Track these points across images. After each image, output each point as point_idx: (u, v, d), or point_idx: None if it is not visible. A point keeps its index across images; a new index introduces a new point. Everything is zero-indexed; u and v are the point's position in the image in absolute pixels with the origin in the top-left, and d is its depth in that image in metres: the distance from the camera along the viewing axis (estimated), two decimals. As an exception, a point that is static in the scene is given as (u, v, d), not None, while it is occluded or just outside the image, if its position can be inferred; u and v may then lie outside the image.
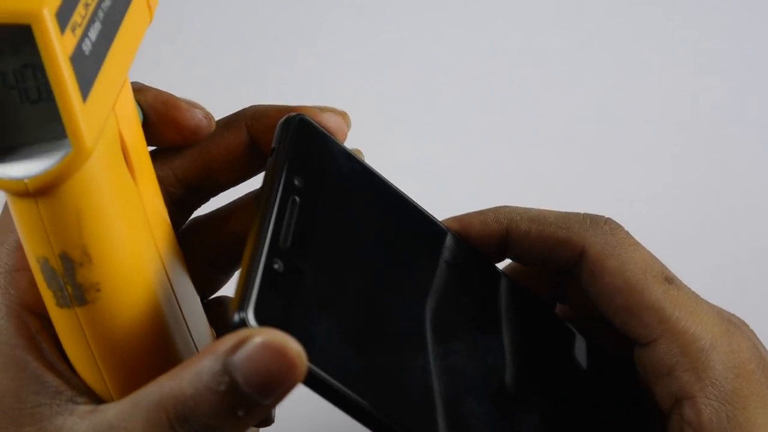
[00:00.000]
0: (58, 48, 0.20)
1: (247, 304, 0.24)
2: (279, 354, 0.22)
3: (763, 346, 0.30)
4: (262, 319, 0.24)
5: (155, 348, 0.26)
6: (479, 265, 0.31)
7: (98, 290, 0.24)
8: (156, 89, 0.28)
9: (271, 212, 0.26)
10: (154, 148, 0.29)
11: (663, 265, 0.29)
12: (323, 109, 0.30)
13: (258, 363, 0.22)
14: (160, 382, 0.23)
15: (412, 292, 0.29)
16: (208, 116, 0.29)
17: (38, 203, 0.22)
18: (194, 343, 0.28)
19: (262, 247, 0.25)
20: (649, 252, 0.30)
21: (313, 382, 0.24)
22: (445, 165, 0.47)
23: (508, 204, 0.32)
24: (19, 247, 0.25)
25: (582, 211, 0.31)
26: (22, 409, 0.25)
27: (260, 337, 0.22)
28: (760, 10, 0.52)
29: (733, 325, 0.29)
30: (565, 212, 0.31)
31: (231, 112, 0.51)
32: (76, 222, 0.23)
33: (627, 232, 0.30)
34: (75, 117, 0.21)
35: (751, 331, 0.30)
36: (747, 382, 0.28)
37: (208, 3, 0.51)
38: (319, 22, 0.51)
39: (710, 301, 0.30)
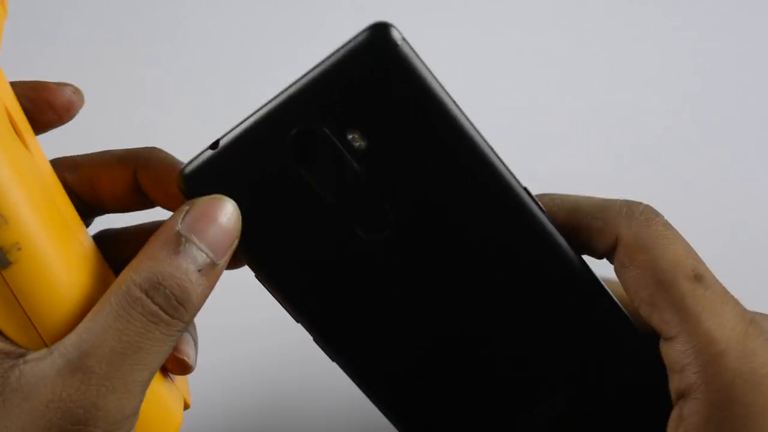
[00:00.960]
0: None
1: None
2: (216, 203, 0.27)
3: None
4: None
5: (85, 296, 0.27)
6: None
7: (19, 249, 0.25)
8: (22, 80, 0.30)
9: None
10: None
11: (696, 260, 0.29)
12: (60, 84, 0.30)
13: (200, 214, 0.27)
14: (126, 273, 0.26)
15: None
16: (77, 91, 0.31)
17: None
18: None
19: None
20: (684, 246, 0.29)
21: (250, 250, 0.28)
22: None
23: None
24: None
25: (619, 197, 0.30)
26: None
27: (206, 197, 0.27)
28: (760, 10, 0.52)
29: (754, 327, 0.28)
30: (602, 200, 0.30)
31: (230, 113, 0.51)
32: None
33: (665, 223, 0.30)
34: None
35: None
36: (754, 387, 0.28)
37: (207, 2, 0.51)
38: (318, 21, 0.51)
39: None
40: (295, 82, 0.28)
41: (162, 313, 0.26)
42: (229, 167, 0.28)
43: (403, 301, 0.29)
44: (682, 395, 0.29)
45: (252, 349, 0.44)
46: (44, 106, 0.30)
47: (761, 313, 0.30)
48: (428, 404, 0.30)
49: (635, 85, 0.51)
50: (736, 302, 0.29)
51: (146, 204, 0.31)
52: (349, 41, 0.28)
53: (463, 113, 0.28)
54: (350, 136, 0.28)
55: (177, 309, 0.26)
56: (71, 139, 0.47)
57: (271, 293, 0.29)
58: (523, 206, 0.29)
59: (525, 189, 0.29)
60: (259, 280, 0.29)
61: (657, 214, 0.30)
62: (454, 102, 0.28)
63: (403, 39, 0.28)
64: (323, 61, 0.28)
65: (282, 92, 0.28)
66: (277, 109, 0.27)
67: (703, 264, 0.29)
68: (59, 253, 0.26)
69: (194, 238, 0.27)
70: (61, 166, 0.31)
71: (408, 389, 0.29)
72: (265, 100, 0.28)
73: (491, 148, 0.29)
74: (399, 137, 0.28)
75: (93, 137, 0.48)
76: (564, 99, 0.51)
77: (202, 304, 0.27)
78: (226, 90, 0.50)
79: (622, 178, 0.48)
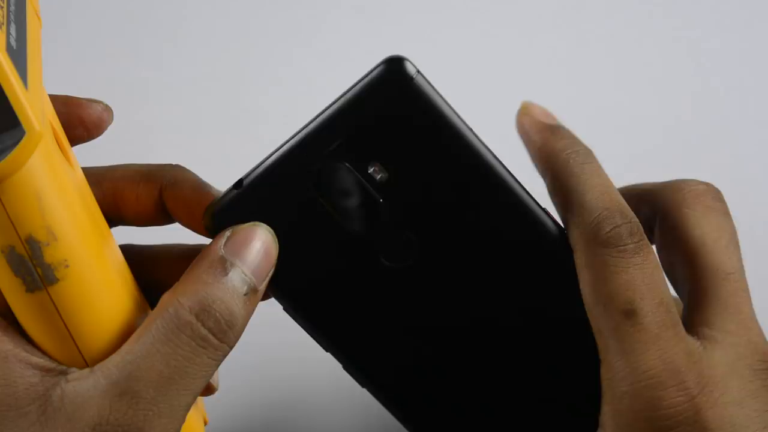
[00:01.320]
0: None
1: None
2: (256, 229, 0.28)
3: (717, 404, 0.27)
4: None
5: (124, 314, 0.27)
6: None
7: (67, 266, 0.25)
8: (54, 94, 0.29)
9: None
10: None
11: (638, 294, 0.28)
12: (91, 100, 0.30)
13: (243, 240, 0.27)
14: (171, 296, 0.26)
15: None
16: (107, 108, 0.31)
17: (0, 193, 0.23)
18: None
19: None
20: (631, 277, 0.28)
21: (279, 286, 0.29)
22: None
23: None
24: None
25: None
26: (15, 394, 0.25)
27: (246, 224, 0.28)
28: (760, 10, 0.52)
29: (675, 375, 0.27)
30: (596, 194, 0.29)
31: (230, 113, 0.51)
32: (37, 203, 0.24)
33: (628, 249, 0.28)
34: (23, 103, 0.22)
35: (701, 381, 0.28)
36: None
37: (207, 2, 0.51)
38: (319, 22, 0.51)
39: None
40: (315, 119, 0.29)
41: (211, 337, 0.26)
42: (254, 205, 0.28)
43: (430, 326, 0.30)
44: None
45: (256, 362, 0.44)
46: (75, 121, 0.30)
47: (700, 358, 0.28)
48: (461, 425, 0.30)
49: (635, 85, 0.51)
50: (673, 345, 0.27)
51: (168, 220, 0.31)
52: (365, 76, 0.28)
53: (480, 140, 0.29)
54: (371, 169, 0.29)
55: (226, 333, 0.26)
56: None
57: (300, 324, 0.30)
58: (543, 230, 0.30)
59: (544, 210, 0.30)
60: (287, 311, 0.30)
61: (627, 238, 0.28)
62: (471, 130, 0.29)
63: (418, 72, 0.28)
64: (340, 97, 0.28)
65: (302, 129, 0.29)
66: (298, 146, 0.28)
67: (651, 300, 0.28)
68: (101, 271, 0.26)
69: (238, 263, 0.27)
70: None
71: (439, 412, 0.30)
72: (285, 137, 0.29)
73: (509, 173, 0.30)
74: (418, 168, 0.29)
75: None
76: (563, 99, 0.51)
77: (244, 329, 0.27)
78: (226, 90, 0.50)
79: (622, 178, 0.48)
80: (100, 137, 0.50)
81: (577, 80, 0.51)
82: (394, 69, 0.28)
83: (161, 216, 0.31)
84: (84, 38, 0.50)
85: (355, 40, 0.51)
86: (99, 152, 0.47)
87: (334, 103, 0.29)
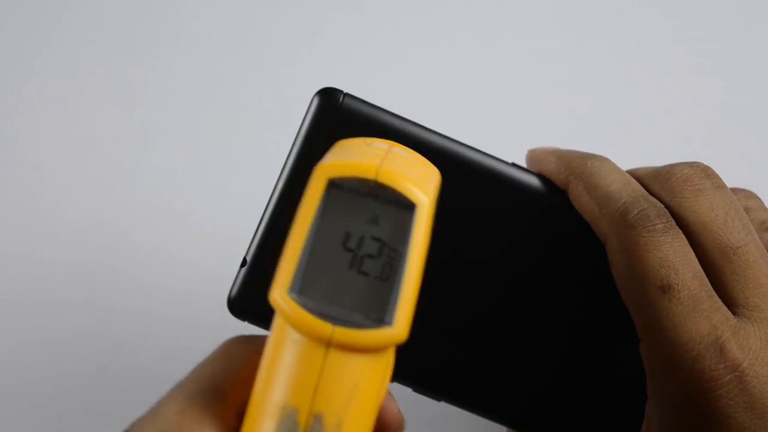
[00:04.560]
0: (427, 238, 0.22)
1: None
2: None
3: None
4: None
5: None
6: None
7: None
8: None
9: None
10: None
11: (672, 271, 0.28)
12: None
13: None
14: None
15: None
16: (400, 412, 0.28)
17: (328, 355, 0.22)
18: None
19: None
20: (665, 254, 0.28)
21: None
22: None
23: None
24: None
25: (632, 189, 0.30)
26: None
27: None
28: (760, 10, 0.52)
29: (713, 348, 0.27)
30: (619, 185, 0.30)
31: (230, 114, 0.50)
32: (349, 393, 0.22)
33: (658, 228, 0.29)
34: (411, 305, 0.22)
35: (742, 353, 0.27)
36: (697, 408, 0.27)
37: (207, 2, 0.51)
38: (319, 22, 0.51)
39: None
40: (281, 172, 0.31)
41: None
42: (264, 274, 0.30)
43: (473, 312, 0.31)
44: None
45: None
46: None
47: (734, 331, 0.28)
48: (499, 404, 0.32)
49: (634, 86, 0.51)
50: (710, 315, 0.28)
51: None
52: (303, 117, 0.31)
53: (419, 125, 0.31)
54: None
55: None
56: (72, 138, 0.47)
57: None
58: (518, 181, 0.32)
59: (513, 164, 0.32)
60: None
61: (654, 218, 0.29)
62: (410, 121, 0.31)
63: (344, 94, 0.31)
64: (293, 144, 0.31)
65: (275, 185, 0.31)
66: (278, 204, 0.30)
67: (685, 273, 0.28)
68: None
69: None
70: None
71: (478, 395, 0.31)
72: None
73: (459, 143, 0.31)
74: None
75: (94, 137, 0.48)
76: (563, 99, 0.51)
77: None
78: (226, 90, 0.50)
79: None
80: (100, 137, 0.50)
81: (576, 80, 0.51)
82: (321, 102, 0.31)
83: None
84: (83, 38, 0.50)
85: (356, 40, 0.51)
86: (100, 151, 0.47)
87: (290, 150, 0.31)
